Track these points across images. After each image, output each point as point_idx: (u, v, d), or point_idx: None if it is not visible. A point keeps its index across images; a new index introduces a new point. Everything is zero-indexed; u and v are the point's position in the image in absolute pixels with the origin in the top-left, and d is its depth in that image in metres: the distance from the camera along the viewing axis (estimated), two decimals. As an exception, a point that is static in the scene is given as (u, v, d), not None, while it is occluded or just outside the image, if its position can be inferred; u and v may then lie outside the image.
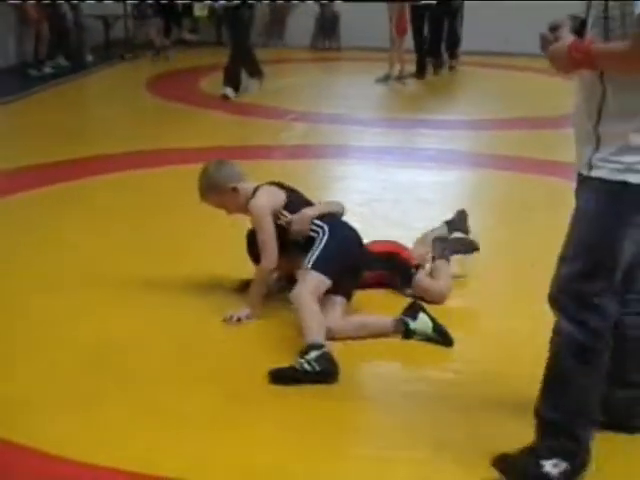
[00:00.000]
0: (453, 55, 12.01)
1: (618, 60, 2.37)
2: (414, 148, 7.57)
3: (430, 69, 11.44)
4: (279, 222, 3.90)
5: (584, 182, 2.55)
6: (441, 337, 3.67)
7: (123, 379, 3.37)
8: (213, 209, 4.10)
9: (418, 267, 4.20)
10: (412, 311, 3.73)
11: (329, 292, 3.73)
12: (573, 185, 2.64)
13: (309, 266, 3.69)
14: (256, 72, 9.70)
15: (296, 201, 3.98)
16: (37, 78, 10.37)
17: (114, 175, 6.24)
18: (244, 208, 3.94)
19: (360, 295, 4.02)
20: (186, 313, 3.97)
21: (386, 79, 10.70)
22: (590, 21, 2.49)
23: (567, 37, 2.50)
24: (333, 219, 3.93)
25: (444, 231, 4.52)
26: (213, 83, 9.95)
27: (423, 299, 4.02)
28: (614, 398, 2.89)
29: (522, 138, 7.68)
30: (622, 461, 2.87)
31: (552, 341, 2.63)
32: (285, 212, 3.92)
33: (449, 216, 4.63)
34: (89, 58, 11.74)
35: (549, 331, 2.64)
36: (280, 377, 3.33)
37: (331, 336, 3.57)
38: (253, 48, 9.77)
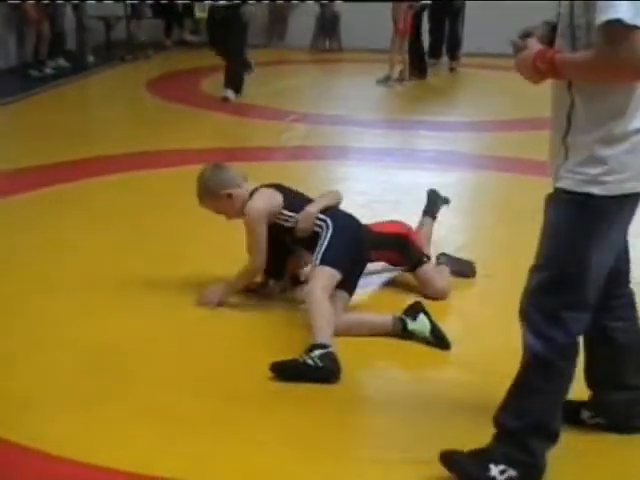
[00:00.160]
0: (454, 57, 11.99)
1: (582, 70, 2.34)
2: (415, 149, 7.56)
3: (415, 72, 11.05)
4: (287, 224, 3.91)
5: (553, 193, 2.54)
6: (437, 340, 3.66)
7: (123, 379, 3.37)
8: (213, 210, 4.11)
9: (429, 257, 4.25)
10: (413, 311, 3.74)
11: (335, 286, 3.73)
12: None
13: (317, 263, 3.71)
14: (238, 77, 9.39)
15: (296, 200, 3.98)
16: (38, 79, 10.36)
17: (114, 176, 6.24)
18: (242, 212, 3.93)
19: (360, 294, 4.03)
20: (186, 313, 3.97)
21: (387, 80, 10.70)
22: (559, 29, 2.46)
23: (534, 46, 2.46)
24: (333, 211, 3.95)
25: (429, 221, 4.60)
26: (214, 84, 9.94)
27: (424, 294, 4.06)
28: (613, 400, 2.90)
29: (523, 140, 7.65)
30: (622, 461, 2.88)
31: (523, 352, 2.61)
32: (287, 212, 3.92)
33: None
34: (90, 59, 11.75)
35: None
36: (282, 369, 3.33)
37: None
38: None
